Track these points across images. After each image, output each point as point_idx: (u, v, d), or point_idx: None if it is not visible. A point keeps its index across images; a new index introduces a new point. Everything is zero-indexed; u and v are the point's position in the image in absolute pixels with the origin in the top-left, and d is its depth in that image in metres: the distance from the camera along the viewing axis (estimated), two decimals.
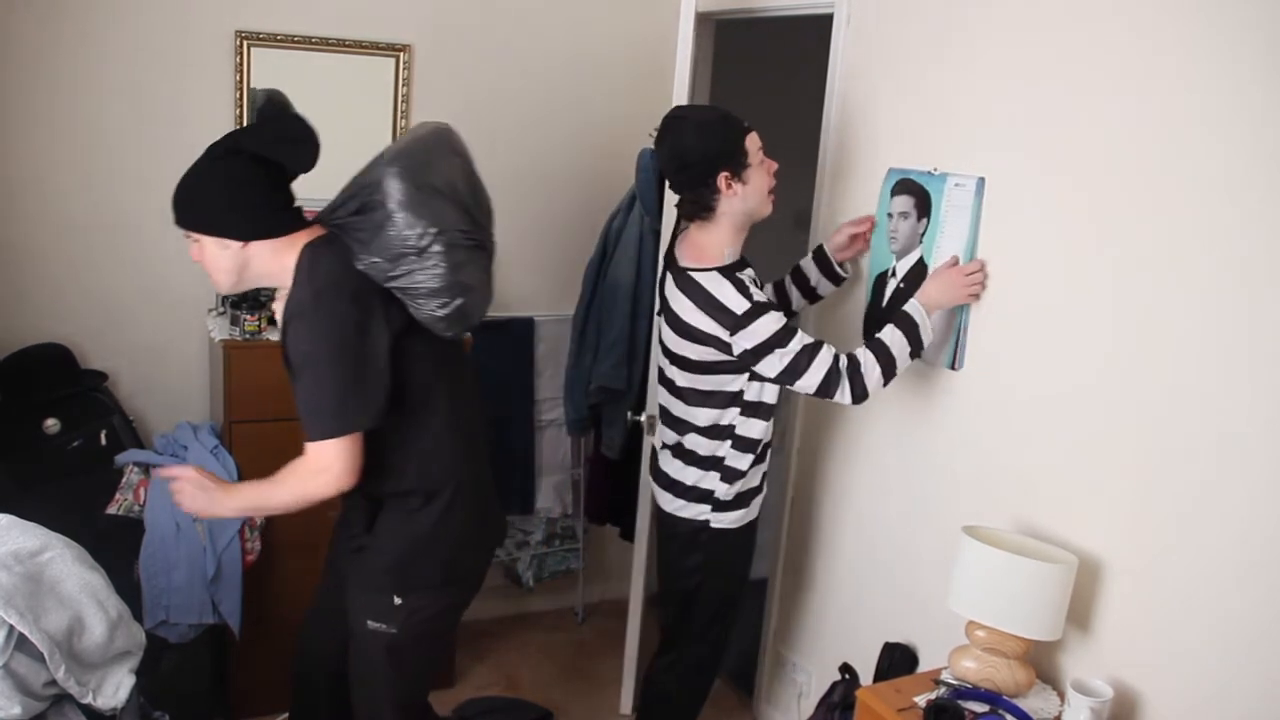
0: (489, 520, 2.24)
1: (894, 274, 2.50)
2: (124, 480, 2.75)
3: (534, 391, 3.55)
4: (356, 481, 1.93)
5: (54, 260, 2.93)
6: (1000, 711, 2.02)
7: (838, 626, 2.85)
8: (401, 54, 3.17)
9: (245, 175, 1.92)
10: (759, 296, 2.26)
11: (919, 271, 2.42)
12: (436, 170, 1.96)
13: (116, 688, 1.83)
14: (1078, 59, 2.09)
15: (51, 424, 2.83)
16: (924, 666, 2.47)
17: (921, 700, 2.07)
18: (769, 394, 2.37)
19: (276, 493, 1.97)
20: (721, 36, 3.41)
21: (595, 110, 3.50)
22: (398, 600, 2.09)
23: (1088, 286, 2.09)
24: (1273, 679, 1.77)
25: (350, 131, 3.22)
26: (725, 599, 2.56)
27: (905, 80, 2.54)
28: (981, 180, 2.27)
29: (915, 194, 2.43)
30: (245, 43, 2.97)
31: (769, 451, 2.47)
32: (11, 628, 1.67)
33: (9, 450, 2.74)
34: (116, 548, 2.51)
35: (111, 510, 2.70)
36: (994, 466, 2.33)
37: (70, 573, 1.83)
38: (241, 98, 3.00)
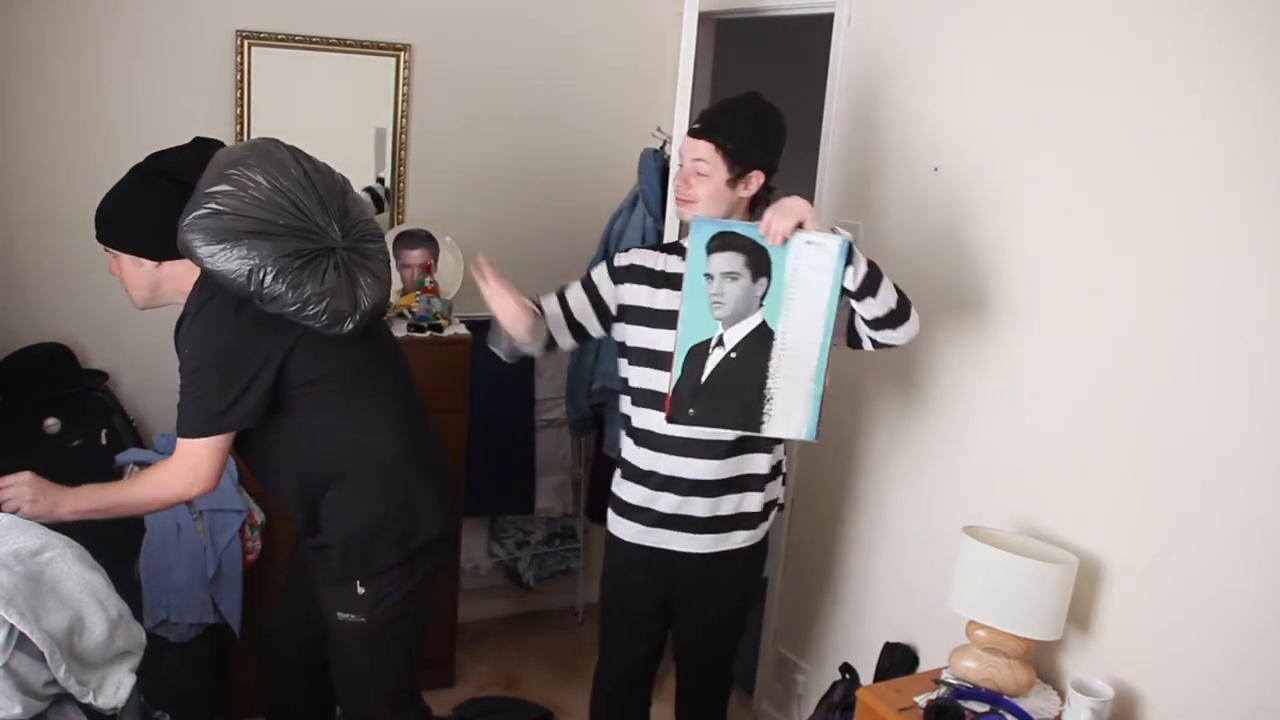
0: (441, 491, 2.21)
1: (720, 343, 2.06)
2: (124, 480, 2.75)
3: (534, 391, 3.54)
4: (214, 488, 2.00)
5: (54, 260, 2.93)
6: (1001, 711, 2.02)
7: (838, 626, 2.85)
8: (401, 54, 3.17)
9: (164, 197, 1.96)
10: None
11: (758, 338, 2.05)
12: (230, 209, 1.89)
13: (117, 687, 1.83)
14: (1078, 59, 2.09)
15: (52, 423, 2.82)
16: (924, 666, 2.48)
17: (922, 700, 2.07)
18: None
19: (130, 492, 2.02)
20: (721, 36, 3.41)
21: (596, 110, 3.50)
22: (361, 589, 2.11)
23: (1088, 288, 2.09)
24: (1273, 679, 1.77)
25: (350, 132, 3.24)
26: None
27: (905, 80, 2.54)
28: (846, 242, 1.97)
29: (743, 250, 2.02)
30: (245, 42, 2.97)
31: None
32: (12, 627, 1.67)
33: (9, 449, 2.73)
34: (116, 548, 2.51)
35: None
36: (994, 466, 2.33)
37: (71, 572, 1.82)
38: (242, 97, 2.99)
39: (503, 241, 3.45)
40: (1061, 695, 2.08)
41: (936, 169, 2.44)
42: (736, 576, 2.34)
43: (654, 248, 2.29)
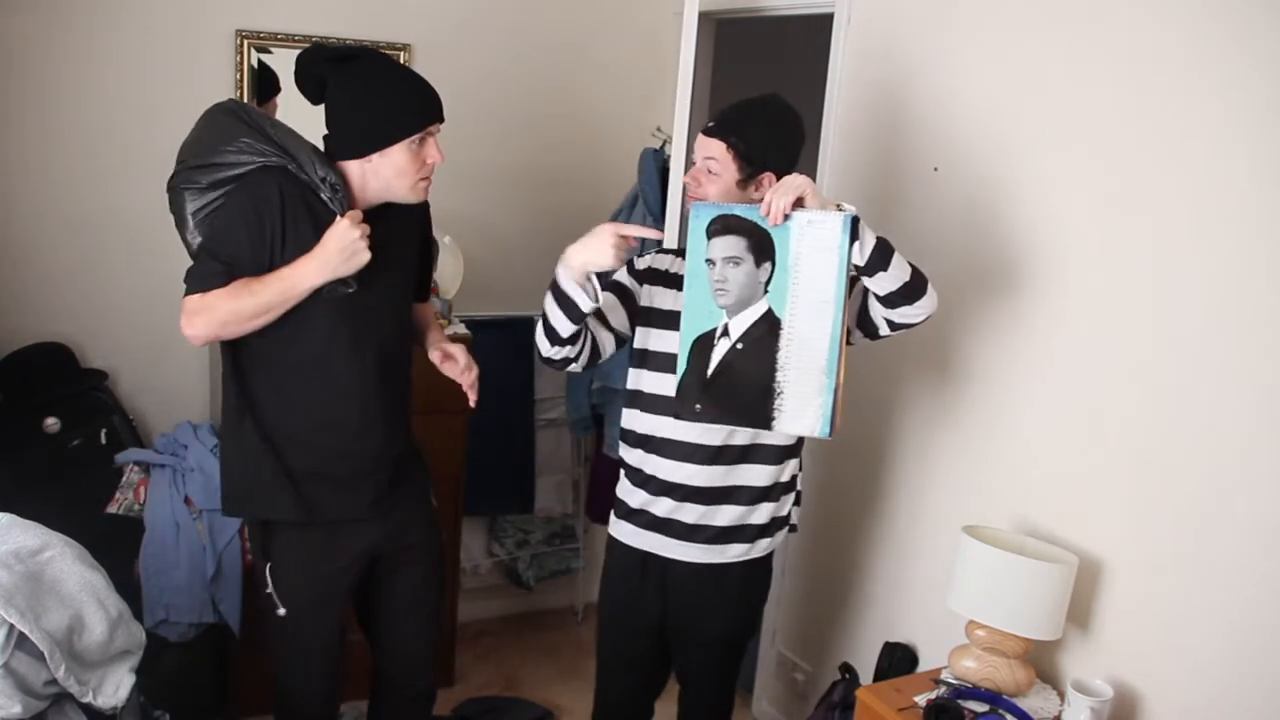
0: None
1: (725, 333, 1.97)
2: (124, 479, 2.75)
3: (534, 391, 3.55)
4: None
5: (54, 260, 2.93)
6: (1000, 711, 2.02)
7: (838, 626, 2.85)
8: (401, 54, 3.17)
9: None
10: None
11: (766, 327, 1.95)
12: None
13: (116, 687, 1.83)
14: (1078, 58, 2.09)
15: (51, 423, 2.82)
16: (924, 666, 2.48)
17: (921, 700, 2.07)
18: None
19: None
20: (721, 36, 3.41)
21: (595, 109, 3.50)
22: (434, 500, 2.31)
23: (1089, 289, 2.09)
24: (1273, 678, 1.77)
25: None
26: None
27: (905, 79, 2.54)
28: (850, 217, 1.88)
29: (745, 233, 1.92)
30: (246, 42, 2.97)
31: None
32: (12, 627, 1.67)
33: (9, 449, 2.73)
34: (116, 547, 2.51)
35: (111, 509, 2.70)
36: (994, 466, 2.33)
37: (70, 572, 1.83)
38: (242, 96, 2.99)
39: (502, 241, 3.46)
40: (1061, 695, 2.08)
41: (936, 169, 2.44)
42: (731, 596, 2.23)
43: (662, 252, 2.28)
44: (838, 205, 1.90)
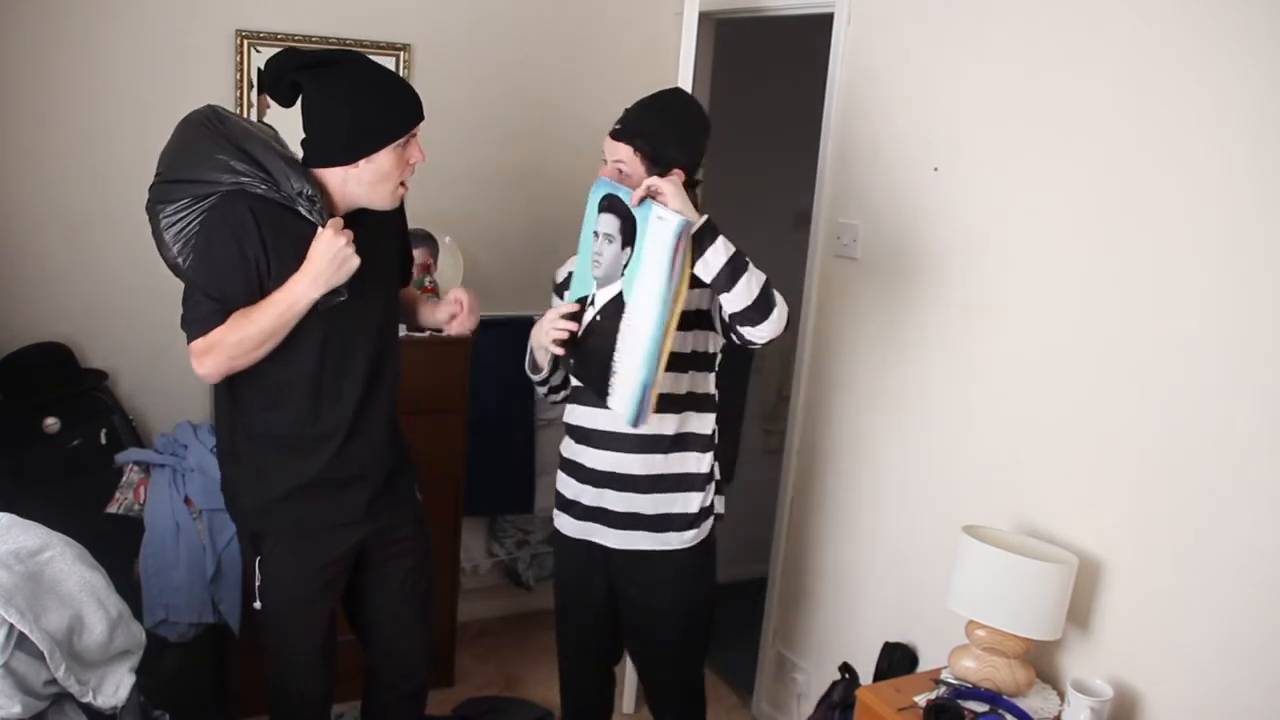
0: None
1: (592, 302, 2.10)
2: (124, 479, 2.75)
3: (534, 391, 3.54)
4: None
5: (54, 260, 2.93)
6: (1000, 711, 2.02)
7: (838, 626, 2.85)
8: (401, 54, 3.17)
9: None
10: None
11: (616, 307, 2.05)
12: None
13: (116, 687, 1.83)
14: (1079, 58, 2.09)
15: (51, 423, 2.82)
16: (924, 666, 2.48)
17: (921, 700, 2.07)
18: None
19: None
20: (721, 36, 3.41)
21: (596, 109, 3.49)
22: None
23: (1091, 287, 2.09)
24: (1273, 678, 1.77)
25: None
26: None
27: (905, 79, 2.54)
28: (685, 223, 1.91)
29: (621, 215, 2.03)
30: (246, 42, 2.97)
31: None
32: (12, 627, 1.67)
33: (9, 449, 2.73)
34: (116, 547, 2.51)
35: (111, 509, 2.70)
36: (994, 466, 2.33)
37: (70, 572, 1.83)
38: (242, 97, 3.00)
39: (502, 241, 3.46)
40: (1061, 695, 2.08)
41: (936, 169, 2.44)
42: (667, 584, 2.28)
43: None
44: (704, 217, 1.97)
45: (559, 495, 2.36)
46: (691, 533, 2.27)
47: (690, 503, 2.25)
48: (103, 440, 2.88)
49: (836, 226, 2.78)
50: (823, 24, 2.81)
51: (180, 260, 2.06)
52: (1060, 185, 2.14)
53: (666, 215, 1.94)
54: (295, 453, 2.09)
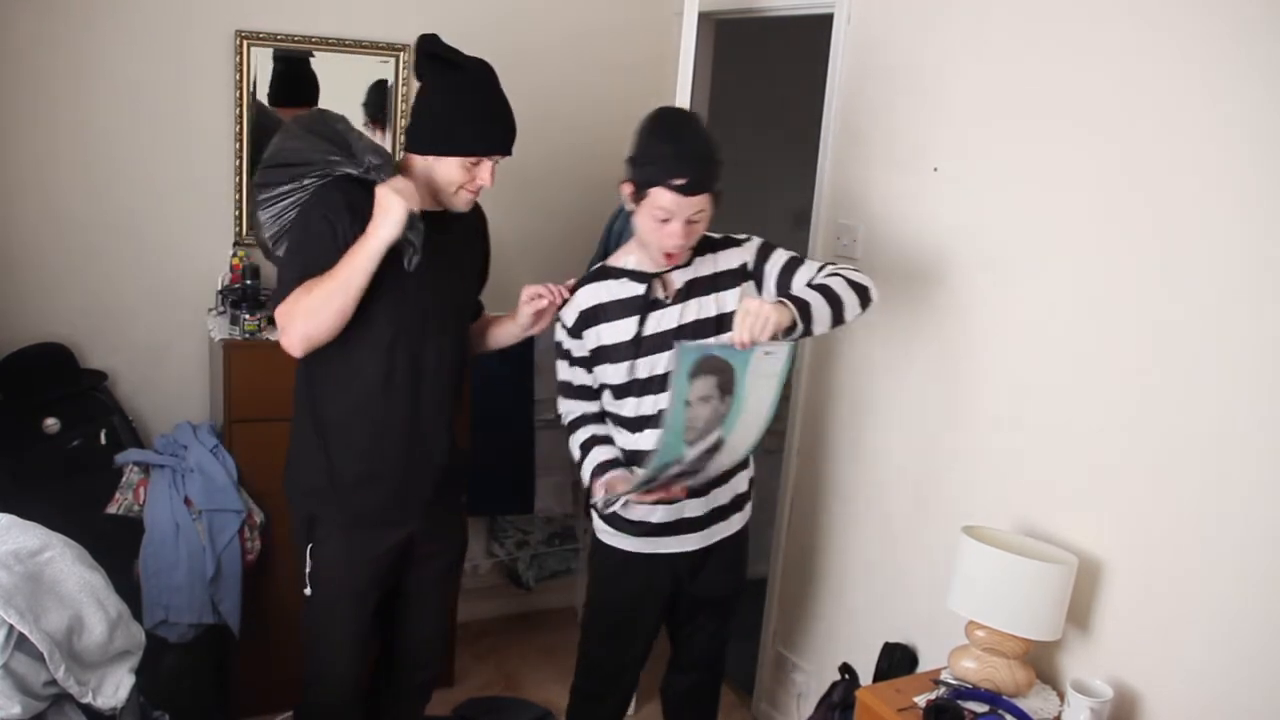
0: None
1: (679, 461, 2.05)
2: (124, 480, 2.75)
3: (534, 391, 3.54)
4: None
5: (54, 260, 2.93)
6: (1000, 711, 2.02)
7: (838, 626, 2.85)
8: (401, 54, 3.17)
9: None
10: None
11: (712, 450, 2.07)
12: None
13: (116, 687, 1.83)
14: (1080, 58, 2.09)
15: (51, 423, 2.82)
16: (924, 666, 2.47)
17: (921, 700, 2.07)
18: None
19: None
20: (721, 36, 3.41)
21: (595, 110, 3.50)
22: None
23: (1091, 286, 2.09)
24: (1273, 678, 1.77)
25: None
26: None
27: (905, 79, 2.54)
28: (792, 346, 1.99)
29: (719, 373, 1.96)
30: (245, 42, 2.97)
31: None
32: (11, 627, 1.67)
33: (9, 450, 2.73)
34: (116, 547, 2.51)
35: (111, 510, 2.70)
36: (994, 466, 2.33)
37: (70, 572, 1.83)
38: (241, 97, 2.99)
39: (501, 241, 3.44)
40: (1061, 695, 2.08)
41: (936, 168, 2.44)
42: (740, 560, 2.44)
43: (590, 280, 2.27)
44: (781, 300, 1.99)
45: (616, 517, 2.28)
46: (749, 506, 2.41)
47: (742, 481, 2.37)
48: (102, 441, 2.88)
49: (836, 226, 2.78)
50: (823, 24, 2.81)
51: (271, 242, 2.19)
52: (1060, 185, 2.14)
53: (773, 347, 1.95)
54: (361, 442, 2.17)
